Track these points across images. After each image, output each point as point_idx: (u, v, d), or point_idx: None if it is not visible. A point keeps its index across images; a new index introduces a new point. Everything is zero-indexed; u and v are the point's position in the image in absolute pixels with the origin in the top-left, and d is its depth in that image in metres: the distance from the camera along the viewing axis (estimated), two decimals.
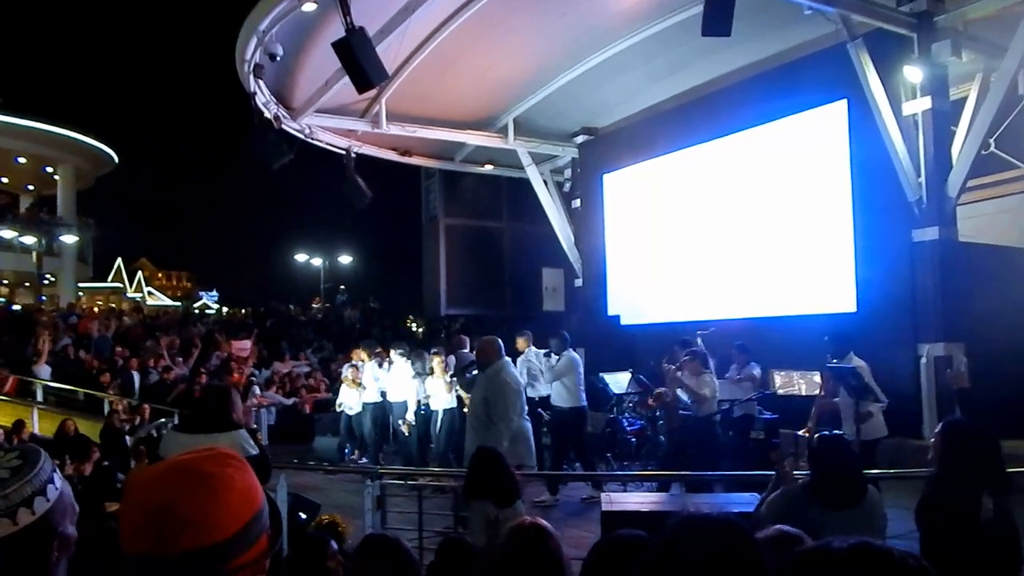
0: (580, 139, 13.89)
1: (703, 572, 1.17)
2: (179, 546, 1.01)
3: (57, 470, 1.30)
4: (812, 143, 9.86)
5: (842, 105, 9.42)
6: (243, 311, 22.69)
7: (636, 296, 12.47)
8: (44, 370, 12.54)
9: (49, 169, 28.70)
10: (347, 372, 10.48)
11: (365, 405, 10.02)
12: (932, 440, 3.15)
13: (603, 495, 5.81)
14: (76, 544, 1.30)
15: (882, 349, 8.31)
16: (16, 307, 20.33)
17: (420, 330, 20.15)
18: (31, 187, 30.77)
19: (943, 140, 8.58)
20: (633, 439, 8.66)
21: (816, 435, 3.31)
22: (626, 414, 9.13)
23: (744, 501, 4.91)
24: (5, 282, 27.90)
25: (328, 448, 10.68)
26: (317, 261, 33.91)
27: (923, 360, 8.39)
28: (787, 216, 10.14)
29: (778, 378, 8.25)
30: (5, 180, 30.02)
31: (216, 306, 35.95)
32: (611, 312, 12.87)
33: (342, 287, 32.15)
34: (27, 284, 26.58)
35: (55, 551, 1.24)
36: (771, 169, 10.39)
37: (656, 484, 7.06)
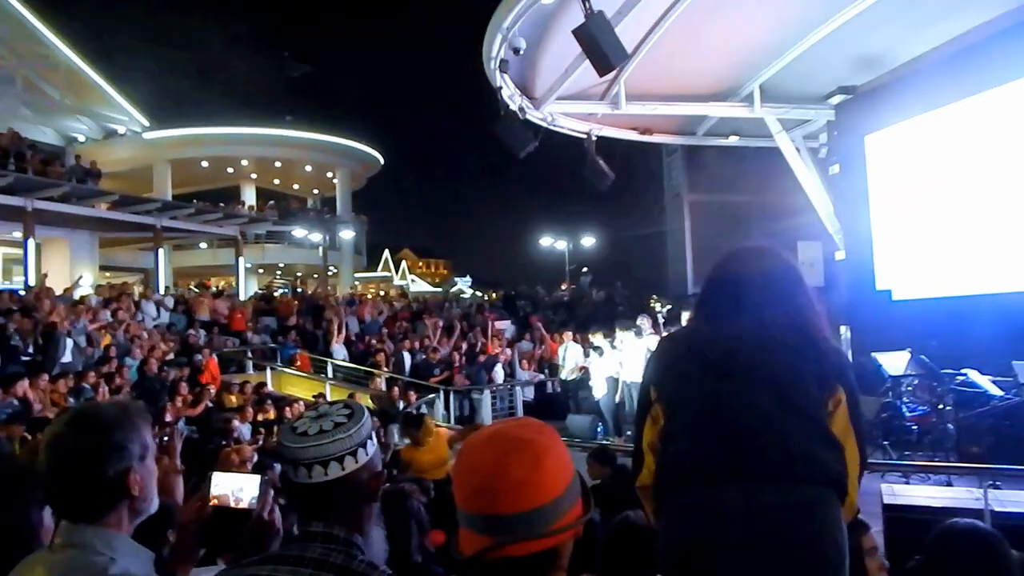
0: (836, 99, 12.62)
1: None
2: (509, 507, 1.10)
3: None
4: None
5: None
6: (494, 294, 24.10)
7: (910, 268, 11.14)
8: (339, 350, 14.46)
9: (329, 174, 33.03)
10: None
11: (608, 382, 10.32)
12: None
13: (883, 486, 5.34)
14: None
15: None
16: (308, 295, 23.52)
17: (665, 309, 19.93)
18: (316, 191, 35.65)
19: None
20: (915, 426, 7.80)
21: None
22: (904, 398, 8.24)
23: None
24: (299, 274, 32.59)
25: (581, 425, 11.02)
26: (561, 244, 34.84)
27: None
28: None
29: None
30: (296, 187, 35.07)
31: (470, 290, 38.57)
32: (880, 286, 11.64)
33: (585, 268, 32.89)
34: (315, 275, 30.73)
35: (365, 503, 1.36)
36: None
37: (945, 478, 6.34)
